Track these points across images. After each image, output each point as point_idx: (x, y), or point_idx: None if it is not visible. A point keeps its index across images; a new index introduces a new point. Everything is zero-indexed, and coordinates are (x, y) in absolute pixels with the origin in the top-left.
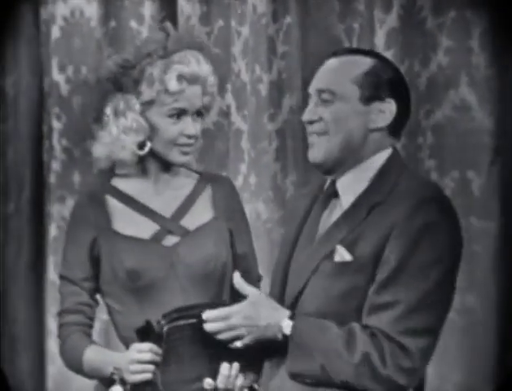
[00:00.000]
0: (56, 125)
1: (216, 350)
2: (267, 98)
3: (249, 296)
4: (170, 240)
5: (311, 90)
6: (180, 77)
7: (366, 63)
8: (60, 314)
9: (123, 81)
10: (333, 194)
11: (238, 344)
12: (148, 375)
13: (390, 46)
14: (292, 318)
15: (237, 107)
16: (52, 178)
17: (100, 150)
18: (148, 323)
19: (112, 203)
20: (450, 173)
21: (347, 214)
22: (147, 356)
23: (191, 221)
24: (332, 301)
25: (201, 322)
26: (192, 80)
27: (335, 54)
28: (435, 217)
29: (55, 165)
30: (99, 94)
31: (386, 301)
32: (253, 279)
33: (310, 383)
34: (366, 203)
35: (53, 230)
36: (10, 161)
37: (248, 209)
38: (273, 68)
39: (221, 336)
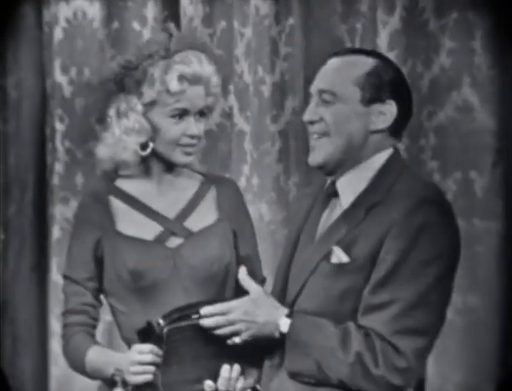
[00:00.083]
0: (59, 126)
1: (217, 352)
2: (270, 99)
3: (250, 293)
4: (174, 242)
5: (313, 89)
6: (181, 77)
7: (367, 63)
8: (64, 314)
9: (125, 81)
10: (333, 193)
11: (236, 339)
12: (149, 377)
13: (393, 47)
14: (290, 316)
15: (240, 108)
16: (55, 180)
17: (104, 151)
18: (149, 324)
19: (116, 204)
20: (453, 175)
21: (346, 214)
22: (148, 357)
23: (195, 222)
24: (330, 302)
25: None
26: (194, 80)
27: (337, 54)
28: (432, 218)
29: (58, 167)
30: (103, 95)
31: (380, 302)
32: (257, 281)
33: (309, 382)
34: (365, 203)
35: (56, 232)
36: (12, 163)
37: (251, 211)
38: (276, 69)
39: (219, 331)
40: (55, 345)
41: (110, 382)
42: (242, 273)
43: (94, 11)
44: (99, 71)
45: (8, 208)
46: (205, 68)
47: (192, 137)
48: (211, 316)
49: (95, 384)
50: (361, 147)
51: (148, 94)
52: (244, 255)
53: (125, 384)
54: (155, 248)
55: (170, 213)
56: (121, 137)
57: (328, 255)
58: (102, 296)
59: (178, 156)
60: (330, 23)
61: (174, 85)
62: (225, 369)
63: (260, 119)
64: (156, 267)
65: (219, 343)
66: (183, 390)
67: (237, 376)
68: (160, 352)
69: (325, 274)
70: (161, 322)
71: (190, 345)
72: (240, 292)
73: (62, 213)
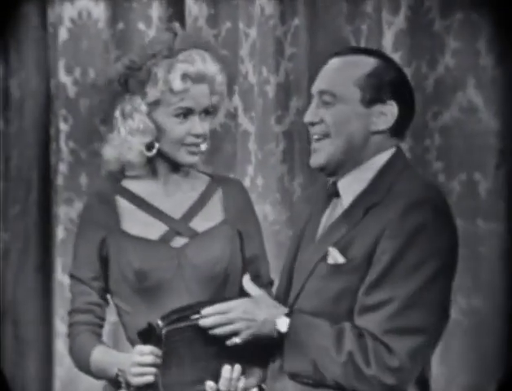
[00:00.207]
0: (63, 127)
1: (217, 352)
2: (275, 100)
3: (252, 295)
4: (179, 242)
5: (314, 90)
6: (184, 76)
7: (368, 64)
8: (70, 313)
9: (130, 82)
10: (335, 194)
11: (236, 339)
12: (150, 378)
13: (398, 48)
14: (289, 315)
15: (244, 108)
16: (59, 180)
17: (110, 152)
18: (150, 325)
19: (122, 203)
20: (458, 176)
21: (345, 215)
22: (149, 358)
23: (200, 223)
24: (327, 303)
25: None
26: (198, 78)
27: (338, 53)
28: (428, 219)
29: (62, 167)
30: (108, 96)
31: (375, 302)
32: (264, 283)
33: (307, 383)
34: (364, 203)
35: (60, 232)
36: (17, 163)
37: None
38: (280, 69)
39: (218, 331)
40: (60, 346)
41: (115, 382)
42: (246, 280)
43: (99, 12)
44: (103, 71)
45: (12, 209)
46: (208, 66)
47: (197, 136)
48: (211, 316)
49: (100, 384)
50: (362, 148)
51: (152, 93)
52: (250, 256)
53: (128, 385)
54: (160, 247)
55: (176, 213)
56: (127, 138)
57: (325, 256)
58: (108, 296)
59: (183, 156)
60: (335, 23)
61: (177, 84)
62: (226, 369)
63: (265, 119)
64: (161, 267)
65: (219, 344)
66: None
67: (238, 376)
68: (160, 353)
69: (322, 274)
70: (160, 323)
71: (190, 346)
72: (245, 296)
73: (66, 213)
